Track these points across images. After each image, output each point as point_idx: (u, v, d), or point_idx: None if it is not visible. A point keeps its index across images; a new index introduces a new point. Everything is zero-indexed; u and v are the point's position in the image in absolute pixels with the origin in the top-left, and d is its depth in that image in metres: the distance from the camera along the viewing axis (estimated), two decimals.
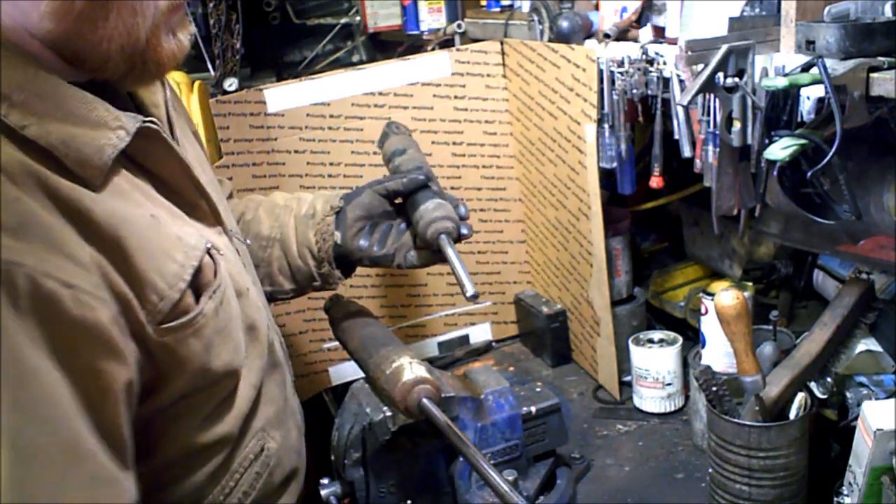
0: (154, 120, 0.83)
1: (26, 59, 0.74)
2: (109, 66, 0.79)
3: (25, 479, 0.69)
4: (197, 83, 1.84)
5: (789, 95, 1.12)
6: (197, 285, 0.86)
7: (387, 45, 2.41)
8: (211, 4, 2.03)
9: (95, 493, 0.74)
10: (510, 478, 1.24)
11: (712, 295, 1.41)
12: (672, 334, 1.63)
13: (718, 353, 1.43)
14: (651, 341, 1.63)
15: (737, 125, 1.17)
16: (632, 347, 1.62)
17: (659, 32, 1.46)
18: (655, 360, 1.59)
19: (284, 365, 1.12)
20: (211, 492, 0.95)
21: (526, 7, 1.86)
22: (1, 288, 0.67)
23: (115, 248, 0.76)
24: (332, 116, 1.77)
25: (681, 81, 1.29)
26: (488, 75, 1.85)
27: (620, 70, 1.44)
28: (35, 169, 0.72)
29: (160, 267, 0.81)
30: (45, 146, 0.72)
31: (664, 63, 1.36)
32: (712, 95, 1.20)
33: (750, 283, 1.63)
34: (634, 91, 1.41)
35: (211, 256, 0.90)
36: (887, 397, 1.27)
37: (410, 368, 1.11)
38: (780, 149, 1.08)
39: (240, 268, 1.01)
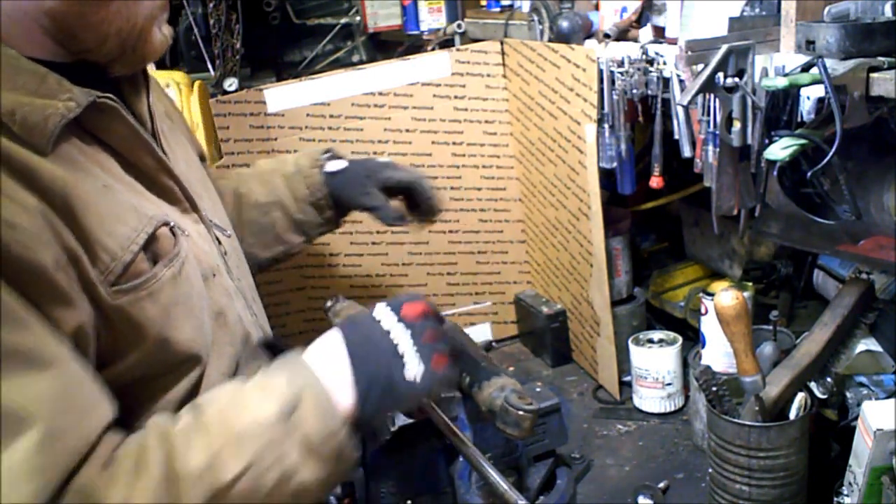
0: (112, 97, 0.85)
1: None
2: (104, 48, 0.83)
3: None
4: (197, 83, 1.84)
5: (789, 95, 1.12)
6: (153, 253, 0.87)
7: (387, 45, 2.41)
8: (211, 4, 2.03)
9: (72, 391, 0.75)
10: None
11: (712, 295, 1.41)
12: (672, 334, 1.63)
13: (718, 353, 1.43)
14: (651, 341, 1.63)
15: (737, 125, 1.17)
16: (632, 347, 1.62)
17: (659, 32, 1.46)
18: (655, 360, 1.59)
19: (268, 359, 1.11)
20: None
21: (526, 7, 1.86)
22: None
23: (63, 206, 0.78)
24: (332, 116, 1.77)
25: (681, 81, 1.29)
26: (488, 75, 1.85)
27: (620, 70, 1.44)
28: None
29: (111, 229, 0.82)
30: None
31: (664, 63, 1.36)
32: (712, 95, 1.20)
33: (750, 283, 1.63)
34: (634, 91, 1.41)
35: (172, 232, 0.91)
36: (887, 397, 1.27)
37: None
38: (780, 149, 1.08)
39: (209, 252, 1.01)
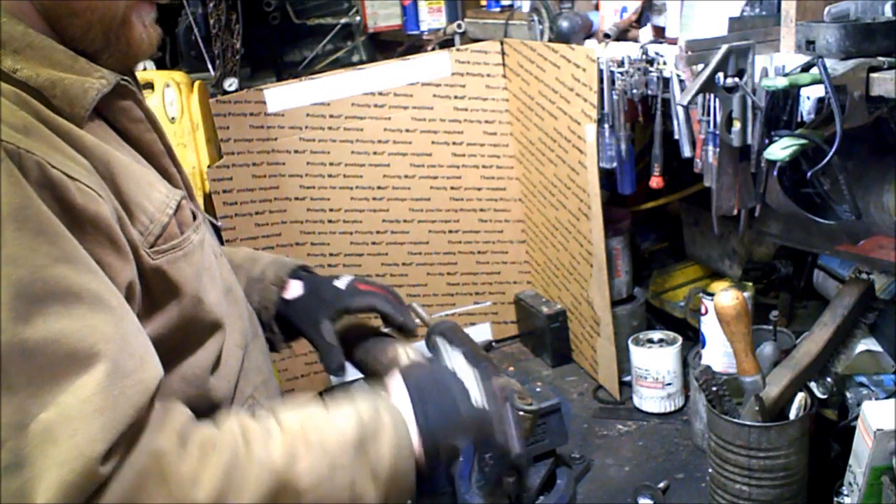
0: (129, 79, 0.88)
1: (16, 19, 0.81)
2: (90, 36, 0.86)
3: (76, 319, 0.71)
4: (197, 83, 1.84)
5: (789, 95, 1.12)
6: (179, 222, 0.90)
7: (387, 45, 2.41)
8: (211, 4, 2.03)
9: (131, 338, 0.77)
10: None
11: (712, 295, 1.41)
12: (672, 334, 1.63)
13: (718, 353, 1.43)
14: (651, 341, 1.63)
15: (737, 125, 1.17)
16: (632, 347, 1.62)
17: (659, 32, 1.46)
18: (655, 360, 1.59)
19: (264, 339, 1.14)
20: None
21: (526, 7, 1.86)
22: (13, 168, 0.71)
23: (104, 170, 0.81)
24: (332, 116, 1.77)
25: (681, 81, 1.29)
26: (488, 75, 1.85)
27: (620, 70, 1.43)
28: (28, 99, 0.78)
29: (147, 193, 0.86)
30: (34, 86, 0.79)
31: (664, 63, 1.36)
32: (712, 95, 1.20)
33: (750, 283, 1.63)
34: (634, 91, 1.41)
35: (190, 209, 0.94)
36: (887, 397, 1.27)
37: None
38: (780, 149, 1.08)
39: (211, 237, 1.04)
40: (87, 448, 0.69)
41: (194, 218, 0.94)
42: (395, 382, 0.93)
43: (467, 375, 0.94)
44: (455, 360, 0.98)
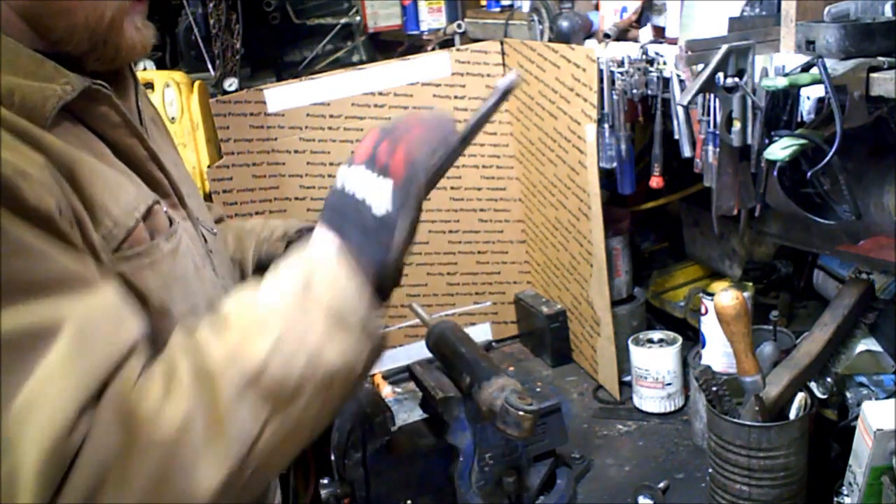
0: (105, 84, 0.85)
1: None
2: (74, 39, 0.83)
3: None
4: (197, 83, 1.85)
5: (789, 95, 1.12)
6: (151, 228, 0.87)
7: (387, 45, 2.41)
8: (211, 4, 2.03)
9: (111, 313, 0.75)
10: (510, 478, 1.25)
11: (712, 295, 1.41)
12: (672, 334, 1.63)
13: (718, 353, 1.43)
14: (651, 341, 1.63)
15: (737, 125, 1.17)
16: (632, 347, 1.62)
17: (659, 32, 1.46)
18: (655, 360, 1.59)
19: None
20: None
21: (526, 7, 1.86)
22: None
23: (67, 172, 0.78)
24: (332, 116, 1.77)
25: (681, 81, 1.29)
26: (488, 75, 1.85)
27: (620, 70, 1.44)
28: None
29: (114, 194, 0.83)
30: None
31: (664, 63, 1.36)
32: (712, 95, 1.20)
33: (750, 283, 1.63)
34: (634, 91, 1.41)
35: (167, 215, 0.91)
36: (887, 397, 1.27)
37: None
38: (780, 149, 1.08)
39: (198, 248, 1.02)
40: (59, 415, 0.67)
41: (171, 224, 0.91)
42: (317, 228, 0.88)
43: (358, 184, 0.87)
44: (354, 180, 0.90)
